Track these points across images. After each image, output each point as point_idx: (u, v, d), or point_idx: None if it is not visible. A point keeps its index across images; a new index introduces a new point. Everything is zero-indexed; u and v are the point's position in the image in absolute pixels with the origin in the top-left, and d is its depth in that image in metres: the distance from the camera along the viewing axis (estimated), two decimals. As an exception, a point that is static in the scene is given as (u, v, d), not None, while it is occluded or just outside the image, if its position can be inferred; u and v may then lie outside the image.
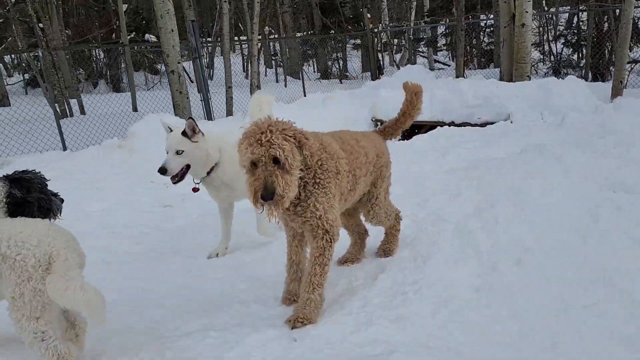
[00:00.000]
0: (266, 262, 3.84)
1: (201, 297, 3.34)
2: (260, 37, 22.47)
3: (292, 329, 2.75)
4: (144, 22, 24.58)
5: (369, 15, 16.28)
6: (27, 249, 2.19)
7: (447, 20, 22.66)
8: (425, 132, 8.21)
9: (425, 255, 3.43)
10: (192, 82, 21.38)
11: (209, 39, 25.13)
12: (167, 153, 3.70)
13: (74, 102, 13.93)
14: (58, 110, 11.41)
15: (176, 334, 2.81)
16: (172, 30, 9.02)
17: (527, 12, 9.88)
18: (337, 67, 21.56)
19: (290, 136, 2.61)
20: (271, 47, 23.28)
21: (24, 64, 21.83)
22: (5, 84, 22.33)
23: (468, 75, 13.29)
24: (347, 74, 21.69)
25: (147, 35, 24.56)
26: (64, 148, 8.97)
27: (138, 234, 4.81)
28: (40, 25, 16.76)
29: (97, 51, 22.57)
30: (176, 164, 3.62)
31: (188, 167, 3.71)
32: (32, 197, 2.60)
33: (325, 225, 2.86)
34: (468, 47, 20.59)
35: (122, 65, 23.21)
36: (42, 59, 11.93)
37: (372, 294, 2.98)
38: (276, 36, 23.93)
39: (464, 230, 3.77)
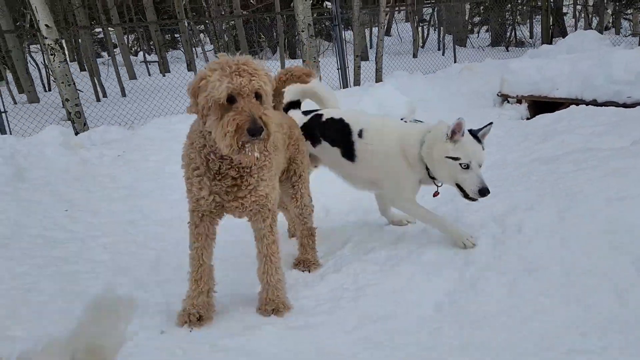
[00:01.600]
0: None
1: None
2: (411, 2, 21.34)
3: (273, 315, 2.51)
4: (322, -10, 25.24)
5: (545, -27, 14.19)
6: None
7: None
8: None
9: (400, 258, 2.93)
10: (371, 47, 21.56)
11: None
12: (466, 167, 2.90)
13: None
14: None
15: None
16: (300, -1, 9.08)
17: None
18: (513, 33, 19.40)
19: (265, 75, 2.31)
20: (424, 13, 21.90)
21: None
22: (202, 50, 25.54)
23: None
24: (524, 40, 19.40)
25: (325, 3, 25.26)
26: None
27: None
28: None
29: (276, 19, 24.06)
30: None
31: None
32: None
33: (269, 205, 2.58)
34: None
35: (296, 34, 24.42)
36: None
37: (301, 295, 2.64)
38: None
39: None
